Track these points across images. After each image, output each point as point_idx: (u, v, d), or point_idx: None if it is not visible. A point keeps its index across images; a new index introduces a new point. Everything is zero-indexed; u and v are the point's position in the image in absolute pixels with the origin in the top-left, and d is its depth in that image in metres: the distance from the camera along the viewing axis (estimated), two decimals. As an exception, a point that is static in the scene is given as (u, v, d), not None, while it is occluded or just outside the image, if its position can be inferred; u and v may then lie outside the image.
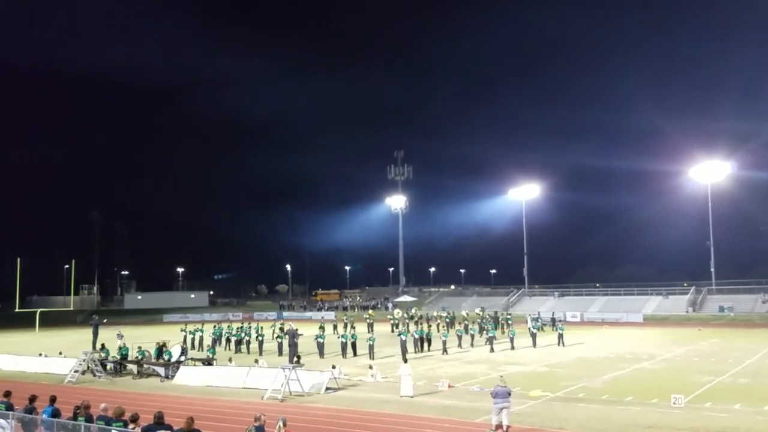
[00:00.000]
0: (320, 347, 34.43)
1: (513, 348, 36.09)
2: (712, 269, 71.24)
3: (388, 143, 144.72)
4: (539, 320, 47.63)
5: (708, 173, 71.87)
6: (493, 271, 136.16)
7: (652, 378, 25.44)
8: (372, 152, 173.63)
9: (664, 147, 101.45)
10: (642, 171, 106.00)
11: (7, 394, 15.23)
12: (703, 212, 72.93)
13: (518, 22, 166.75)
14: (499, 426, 16.15)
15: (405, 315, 57.04)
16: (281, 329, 37.35)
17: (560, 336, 38.51)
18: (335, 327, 50.77)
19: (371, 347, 32.90)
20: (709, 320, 59.44)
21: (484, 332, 39.21)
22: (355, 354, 34.46)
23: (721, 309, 63.09)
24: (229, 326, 42.96)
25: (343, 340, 34.91)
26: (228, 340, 40.05)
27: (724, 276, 72.24)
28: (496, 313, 57.06)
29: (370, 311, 61.85)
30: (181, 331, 43.21)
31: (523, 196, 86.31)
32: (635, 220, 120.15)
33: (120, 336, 40.76)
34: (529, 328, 39.46)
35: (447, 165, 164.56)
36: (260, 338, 37.83)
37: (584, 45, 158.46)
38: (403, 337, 31.73)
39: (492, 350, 35.37)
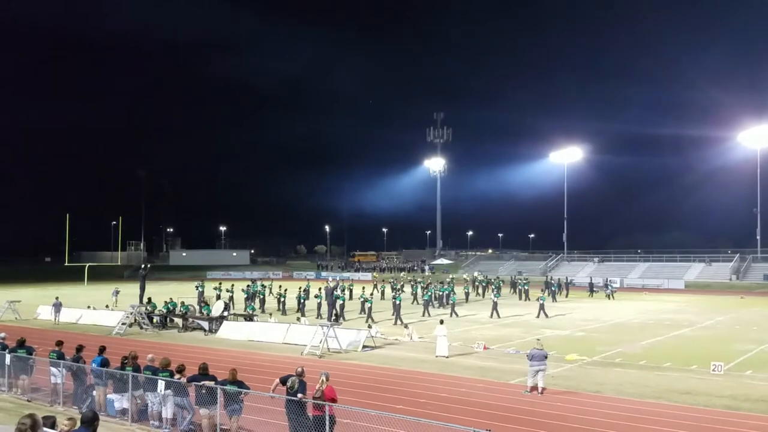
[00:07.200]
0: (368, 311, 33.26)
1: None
2: (758, 237, 69.51)
3: (428, 107, 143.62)
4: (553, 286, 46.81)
5: (758, 138, 69.53)
6: (532, 235, 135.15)
7: (691, 345, 25.18)
8: (411, 116, 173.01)
9: (713, 112, 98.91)
10: (689, 136, 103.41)
11: (59, 343, 15.98)
12: (752, 178, 70.89)
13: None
14: (534, 388, 16.29)
15: (467, 278, 57.24)
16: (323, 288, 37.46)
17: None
18: (376, 287, 51.36)
19: (398, 308, 32.09)
20: (752, 288, 58.28)
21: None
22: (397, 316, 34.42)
23: (766, 277, 61.72)
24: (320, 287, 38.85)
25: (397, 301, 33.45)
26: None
27: (771, 244, 70.49)
28: (513, 277, 58.59)
29: (403, 274, 62.29)
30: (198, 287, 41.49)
31: (564, 159, 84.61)
32: (681, 186, 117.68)
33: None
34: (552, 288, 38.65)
35: (486, 128, 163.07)
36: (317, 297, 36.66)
37: (629, 11, 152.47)
38: (397, 302, 32.05)
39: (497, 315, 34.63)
